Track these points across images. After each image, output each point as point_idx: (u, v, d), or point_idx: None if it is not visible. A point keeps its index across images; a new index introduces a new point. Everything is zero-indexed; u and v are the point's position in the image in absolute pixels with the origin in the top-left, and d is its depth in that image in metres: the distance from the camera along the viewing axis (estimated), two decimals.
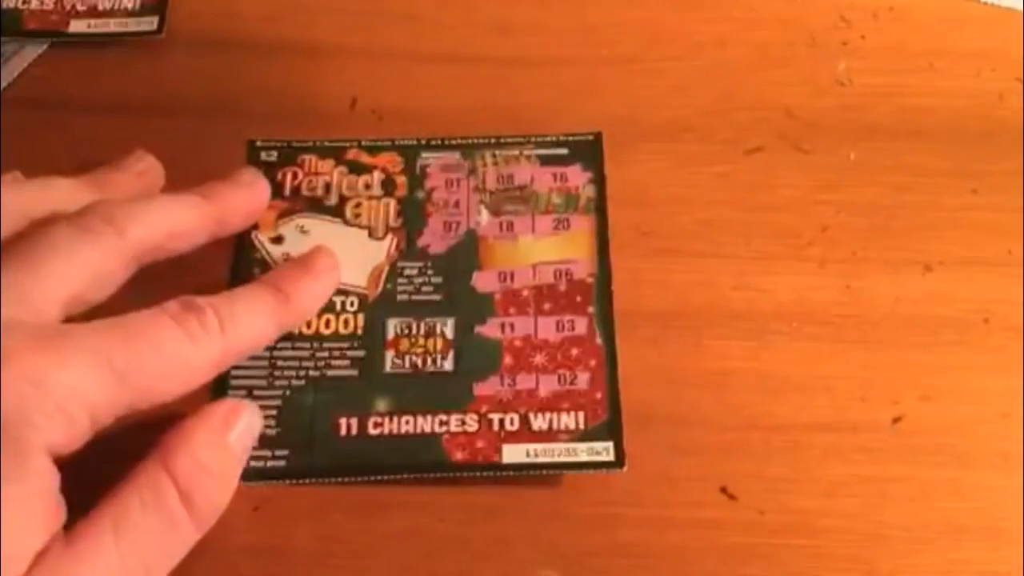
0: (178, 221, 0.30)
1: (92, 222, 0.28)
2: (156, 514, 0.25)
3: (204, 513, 0.26)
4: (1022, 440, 0.30)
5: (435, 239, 0.34)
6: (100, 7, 0.40)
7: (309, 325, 0.32)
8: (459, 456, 0.30)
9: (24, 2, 0.40)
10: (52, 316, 0.26)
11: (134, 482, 0.26)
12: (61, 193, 0.29)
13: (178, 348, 0.26)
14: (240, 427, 0.28)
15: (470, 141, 0.36)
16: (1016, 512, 0.29)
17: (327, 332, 0.32)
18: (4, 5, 0.40)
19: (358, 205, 0.35)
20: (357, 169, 0.36)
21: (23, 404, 0.23)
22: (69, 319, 0.27)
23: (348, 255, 0.33)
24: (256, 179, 0.34)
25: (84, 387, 0.24)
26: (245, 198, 0.33)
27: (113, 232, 0.28)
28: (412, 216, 0.34)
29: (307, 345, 0.32)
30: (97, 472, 0.25)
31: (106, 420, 0.25)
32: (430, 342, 0.32)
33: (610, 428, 0.30)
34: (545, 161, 0.36)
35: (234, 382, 0.31)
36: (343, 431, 0.30)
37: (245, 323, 0.28)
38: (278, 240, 0.34)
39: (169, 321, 0.27)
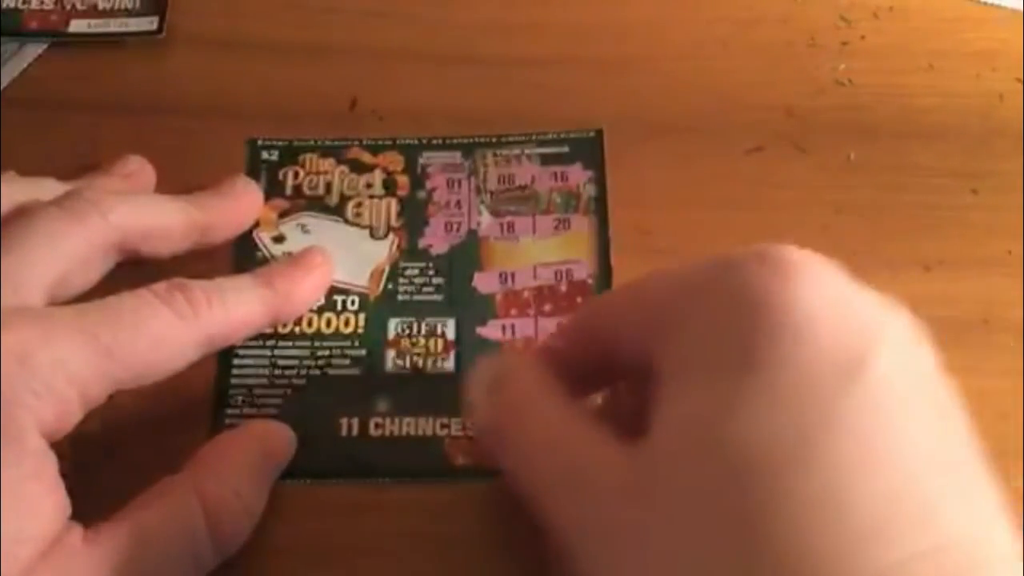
0: (162, 217, 0.30)
1: (76, 204, 0.28)
2: (179, 535, 0.25)
3: (227, 541, 0.26)
4: (1022, 440, 0.30)
5: (436, 239, 0.34)
6: (100, 7, 0.40)
7: (310, 323, 0.32)
8: (461, 460, 0.30)
9: (24, 2, 0.40)
10: (36, 299, 0.26)
11: (164, 497, 0.26)
12: (49, 192, 0.29)
13: (164, 324, 0.26)
14: (279, 458, 0.29)
15: (471, 140, 0.36)
16: (1016, 513, 0.29)
17: (328, 331, 0.32)
18: (4, 5, 0.40)
19: (359, 204, 0.35)
20: (358, 168, 0.36)
21: (11, 383, 0.23)
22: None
23: (349, 254, 0.33)
24: (246, 189, 0.34)
25: (70, 363, 0.24)
26: (233, 208, 0.33)
27: (97, 214, 0.28)
28: (413, 216, 0.34)
29: (307, 344, 0.32)
30: (115, 480, 0.26)
31: (95, 398, 0.25)
32: (431, 342, 0.32)
33: None
34: (546, 160, 0.36)
35: (235, 381, 0.31)
36: (344, 431, 0.30)
37: (233, 304, 0.28)
38: (279, 239, 0.34)
39: (155, 299, 0.27)
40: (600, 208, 0.35)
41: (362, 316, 0.32)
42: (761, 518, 0.18)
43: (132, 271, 0.30)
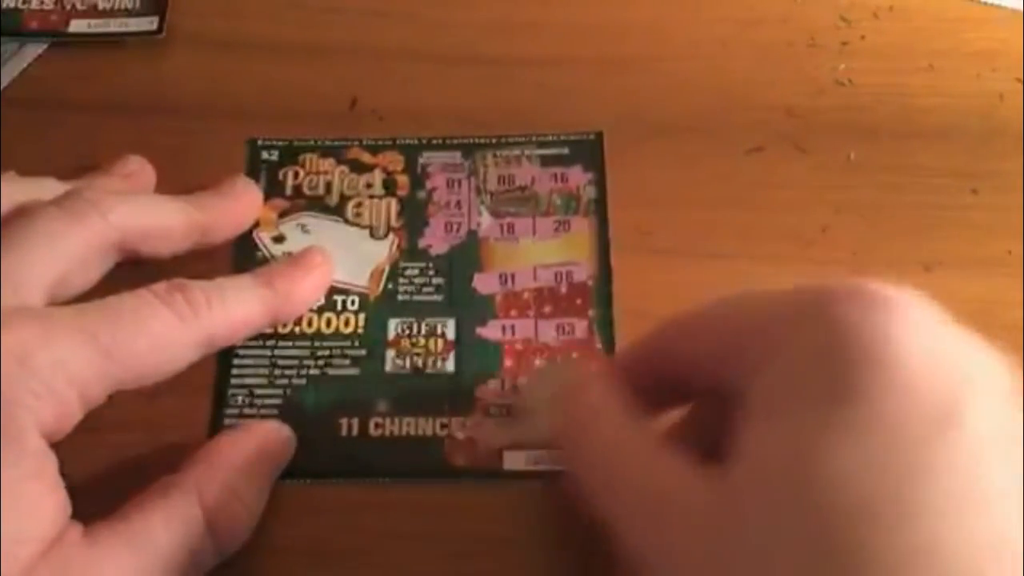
0: (162, 217, 0.30)
1: (76, 204, 0.28)
2: (179, 535, 0.25)
3: (226, 541, 0.26)
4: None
5: (436, 239, 0.34)
6: (100, 7, 0.40)
7: (310, 323, 0.32)
8: (460, 461, 0.30)
9: (24, 2, 0.40)
10: (36, 299, 0.26)
11: (164, 497, 0.26)
12: (49, 192, 0.29)
13: (164, 324, 0.26)
14: (278, 459, 0.29)
15: (471, 140, 0.36)
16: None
17: (328, 331, 0.32)
18: (4, 5, 0.40)
19: (359, 204, 0.35)
20: (358, 168, 0.36)
21: (11, 383, 0.23)
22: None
23: (349, 254, 0.33)
24: (246, 189, 0.34)
25: (70, 364, 0.24)
26: (233, 208, 0.33)
27: (96, 214, 0.28)
28: (413, 216, 0.34)
29: (307, 344, 0.32)
30: (115, 480, 0.26)
31: (95, 398, 0.25)
32: (431, 343, 0.32)
33: None
34: (546, 162, 0.36)
35: (235, 380, 0.31)
36: (344, 431, 0.30)
37: (233, 304, 0.28)
38: (279, 239, 0.34)
39: (154, 299, 0.27)
40: (600, 210, 0.34)
41: (362, 316, 0.32)
42: (856, 566, 0.18)
43: (132, 271, 0.30)
